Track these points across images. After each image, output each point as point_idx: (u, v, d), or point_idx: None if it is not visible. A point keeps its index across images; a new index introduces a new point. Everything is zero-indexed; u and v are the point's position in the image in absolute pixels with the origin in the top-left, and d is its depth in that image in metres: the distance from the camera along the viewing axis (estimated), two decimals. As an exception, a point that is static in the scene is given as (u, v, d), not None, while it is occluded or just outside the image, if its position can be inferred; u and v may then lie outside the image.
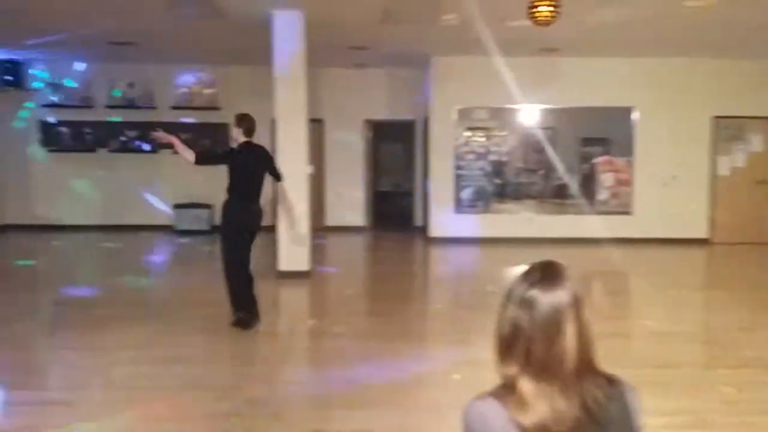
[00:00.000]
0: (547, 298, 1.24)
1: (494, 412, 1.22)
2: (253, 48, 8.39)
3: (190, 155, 5.01)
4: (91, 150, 10.48)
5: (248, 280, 5.07)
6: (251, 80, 10.22)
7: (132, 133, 10.47)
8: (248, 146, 5.16)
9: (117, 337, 4.79)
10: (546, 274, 1.29)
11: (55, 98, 10.32)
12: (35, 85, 10.37)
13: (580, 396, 1.21)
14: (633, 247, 9.15)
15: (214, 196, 10.57)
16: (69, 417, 3.38)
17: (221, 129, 10.53)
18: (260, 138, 10.00)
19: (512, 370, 1.24)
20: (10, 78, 10.03)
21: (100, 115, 10.43)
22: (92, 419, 3.37)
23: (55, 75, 10.36)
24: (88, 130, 10.45)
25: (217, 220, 10.43)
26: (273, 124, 7.03)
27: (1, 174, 10.42)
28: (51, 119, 10.44)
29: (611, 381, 1.29)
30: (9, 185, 10.48)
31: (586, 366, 1.25)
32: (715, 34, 7.76)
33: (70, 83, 10.39)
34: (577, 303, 1.27)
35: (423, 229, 10.45)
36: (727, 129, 9.71)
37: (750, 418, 3.42)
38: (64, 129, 10.43)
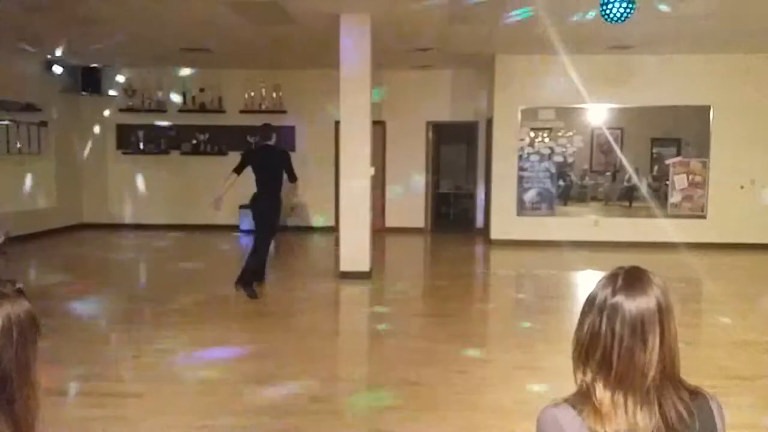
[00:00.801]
0: (630, 306, 1.19)
1: (569, 420, 1.19)
2: (319, 51, 8.55)
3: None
4: (164, 152, 10.96)
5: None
6: (316, 83, 10.42)
7: (202, 137, 10.88)
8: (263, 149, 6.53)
9: (189, 334, 4.98)
10: (630, 279, 1.22)
11: (130, 103, 10.85)
12: (112, 90, 10.94)
13: (660, 409, 1.17)
14: (707, 252, 8.73)
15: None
16: (139, 408, 3.53)
17: (288, 132, 10.81)
18: (324, 139, 10.32)
19: (588, 377, 1.21)
20: (88, 84, 10.64)
21: (172, 119, 10.89)
22: (160, 411, 3.50)
23: (131, 80, 10.90)
24: (161, 134, 10.94)
25: (280, 220, 10.77)
26: (338, 126, 7.13)
27: (79, 175, 11.05)
28: (126, 123, 10.99)
29: (696, 394, 1.24)
30: (86, 186, 11.11)
31: (669, 378, 1.20)
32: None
33: (144, 87, 10.91)
34: (663, 312, 1.21)
35: (484, 232, 10.34)
36: (813, 128, 9.11)
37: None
38: (138, 132, 10.96)
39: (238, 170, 6.29)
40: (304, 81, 10.66)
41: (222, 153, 10.85)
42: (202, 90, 10.82)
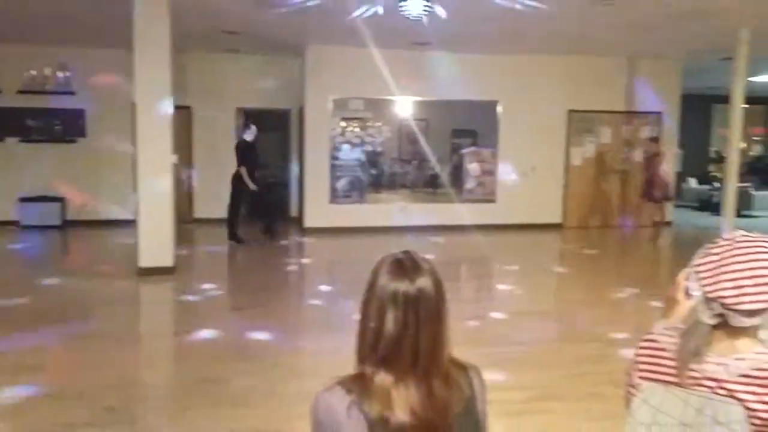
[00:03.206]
0: (429, 288, 1.21)
1: (339, 400, 1.19)
2: (113, 29, 7.81)
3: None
4: None
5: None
6: (111, 63, 9.52)
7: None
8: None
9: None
10: (416, 264, 1.24)
11: None
12: None
13: (434, 383, 1.20)
14: (496, 232, 9.70)
15: (67, 188, 9.78)
16: None
17: (76, 115, 9.72)
18: (122, 125, 9.48)
19: (377, 367, 1.20)
20: None
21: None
22: None
23: None
24: None
25: (70, 214, 9.76)
26: (134, 109, 6.56)
27: None
28: None
29: (460, 367, 1.29)
30: None
31: (446, 353, 1.25)
32: (571, 33, 8.35)
33: None
34: (442, 286, 1.24)
35: (298, 220, 10.35)
36: (580, 122, 10.56)
37: (596, 389, 3.69)
38: None
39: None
40: (96, 60, 9.67)
41: (-3, 139, 9.44)
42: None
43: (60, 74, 9.57)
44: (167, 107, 6.46)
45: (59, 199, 9.62)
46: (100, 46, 9.42)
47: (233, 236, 8.67)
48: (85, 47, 9.52)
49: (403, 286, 1.20)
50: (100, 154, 9.84)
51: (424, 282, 1.21)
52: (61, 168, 9.81)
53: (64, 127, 9.67)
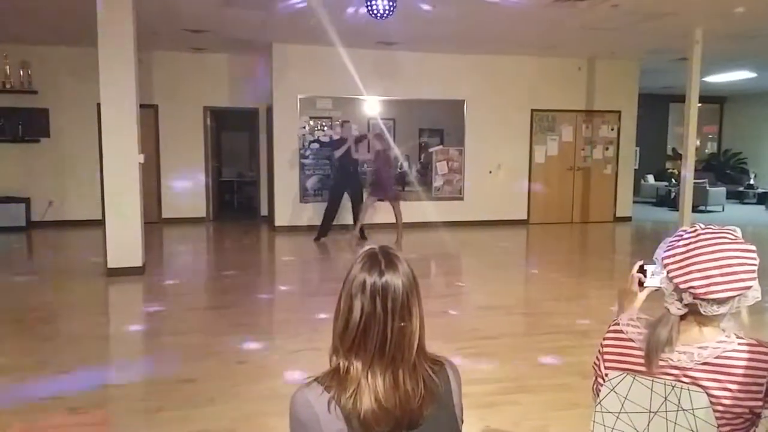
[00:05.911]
0: (397, 282, 1.24)
1: (320, 397, 1.22)
2: (77, 26, 7.67)
3: None
4: None
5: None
6: (75, 61, 9.34)
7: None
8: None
9: None
10: (390, 258, 1.27)
11: None
12: None
13: (400, 374, 1.23)
14: (464, 229, 9.86)
15: (31, 189, 9.56)
16: None
17: (39, 115, 9.51)
18: (87, 124, 9.31)
19: (357, 363, 1.23)
20: None
21: None
22: None
23: None
24: None
25: (34, 215, 9.54)
26: (99, 108, 6.46)
27: None
28: None
29: (435, 361, 1.33)
30: None
31: (422, 347, 1.27)
32: (533, 33, 8.54)
33: None
34: (416, 282, 1.28)
35: (268, 219, 10.33)
36: (543, 121, 10.80)
37: (565, 380, 3.81)
38: None
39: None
40: (59, 58, 9.50)
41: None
42: None
43: (21, 72, 9.33)
44: (133, 106, 6.39)
45: (24, 200, 9.41)
46: (64, 44, 9.24)
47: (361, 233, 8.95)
48: (47, 45, 9.31)
49: (371, 278, 1.24)
50: (65, 154, 9.65)
51: (393, 275, 1.24)
52: (24, 168, 9.59)
53: (27, 126, 9.46)
